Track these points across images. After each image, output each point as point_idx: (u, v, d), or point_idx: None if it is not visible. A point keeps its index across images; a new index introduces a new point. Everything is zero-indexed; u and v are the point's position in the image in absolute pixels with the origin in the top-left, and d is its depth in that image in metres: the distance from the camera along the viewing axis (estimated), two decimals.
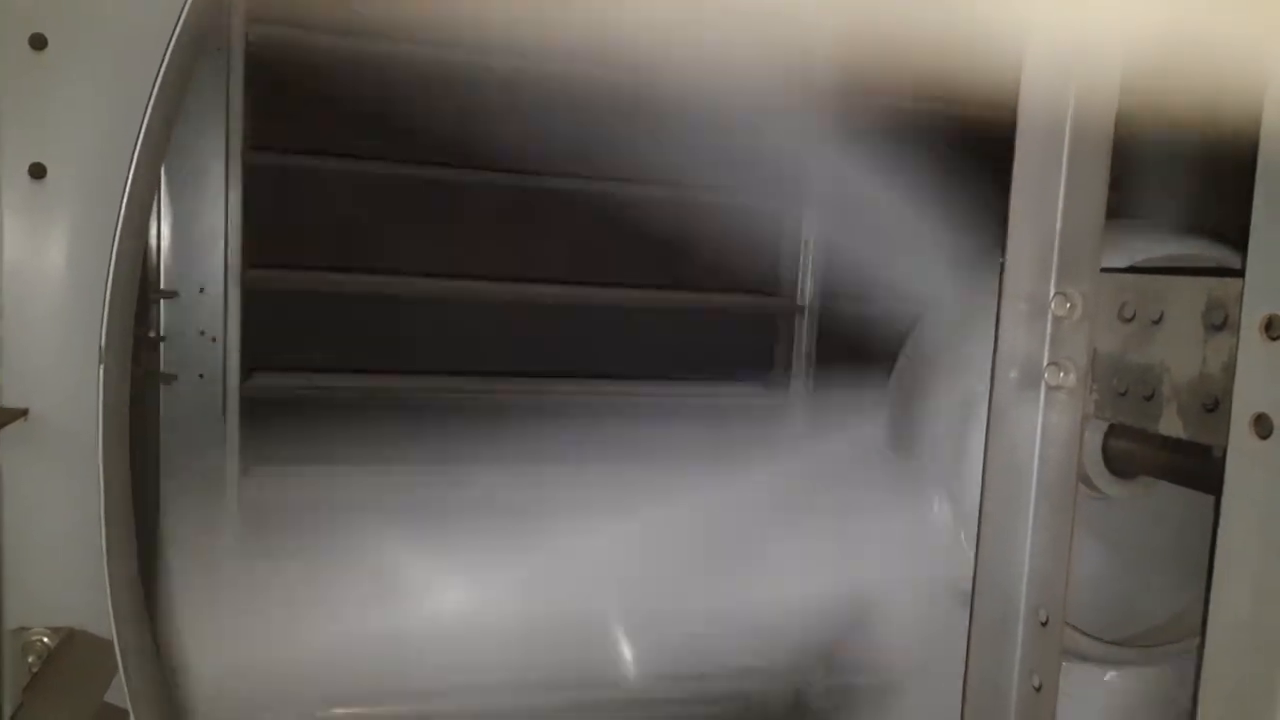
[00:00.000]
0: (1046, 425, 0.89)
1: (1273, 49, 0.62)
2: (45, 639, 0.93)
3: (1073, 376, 0.86)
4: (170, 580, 1.42)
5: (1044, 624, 0.87)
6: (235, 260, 1.48)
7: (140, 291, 1.01)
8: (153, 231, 1.44)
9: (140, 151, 0.88)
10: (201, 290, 1.49)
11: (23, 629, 0.92)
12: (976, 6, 0.88)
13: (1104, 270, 0.86)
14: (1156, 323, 0.80)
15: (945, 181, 1.44)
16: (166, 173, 1.43)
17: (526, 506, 1.60)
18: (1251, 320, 0.64)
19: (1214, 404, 0.74)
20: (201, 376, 1.49)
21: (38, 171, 0.89)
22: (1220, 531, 0.65)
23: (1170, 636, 1.16)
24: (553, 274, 1.71)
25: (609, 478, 1.55)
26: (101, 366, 0.87)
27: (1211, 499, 0.66)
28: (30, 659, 0.92)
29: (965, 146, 1.37)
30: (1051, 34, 0.86)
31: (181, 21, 0.87)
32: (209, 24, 0.96)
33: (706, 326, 1.86)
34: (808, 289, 1.85)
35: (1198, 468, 0.83)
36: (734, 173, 1.68)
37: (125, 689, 0.90)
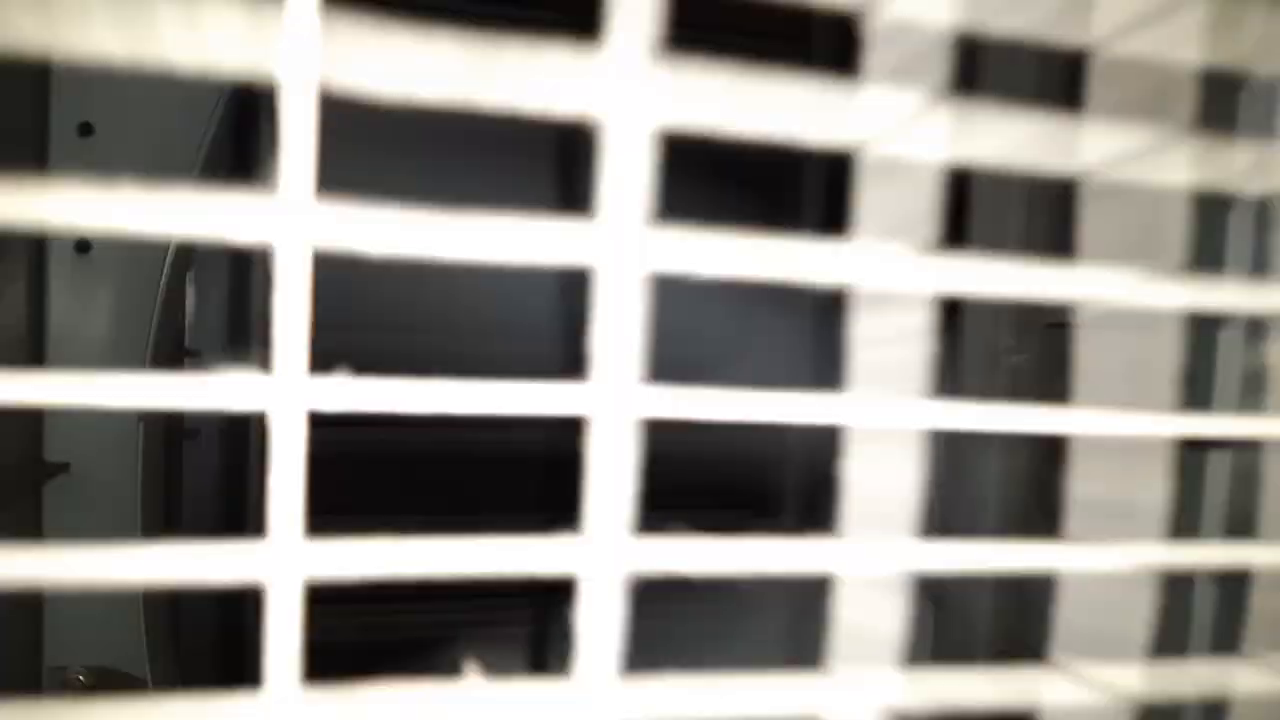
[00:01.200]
0: None
1: None
2: (82, 678, 0.99)
3: None
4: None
5: None
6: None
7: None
8: None
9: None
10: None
11: (60, 668, 0.99)
12: None
13: None
14: None
15: None
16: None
17: None
18: None
19: None
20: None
21: (83, 246, 0.97)
22: None
23: None
24: None
25: None
26: (141, 424, 0.95)
27: None
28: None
29: None
30: None
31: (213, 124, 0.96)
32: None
33: None
34: None
35: None
36: None
37: None
